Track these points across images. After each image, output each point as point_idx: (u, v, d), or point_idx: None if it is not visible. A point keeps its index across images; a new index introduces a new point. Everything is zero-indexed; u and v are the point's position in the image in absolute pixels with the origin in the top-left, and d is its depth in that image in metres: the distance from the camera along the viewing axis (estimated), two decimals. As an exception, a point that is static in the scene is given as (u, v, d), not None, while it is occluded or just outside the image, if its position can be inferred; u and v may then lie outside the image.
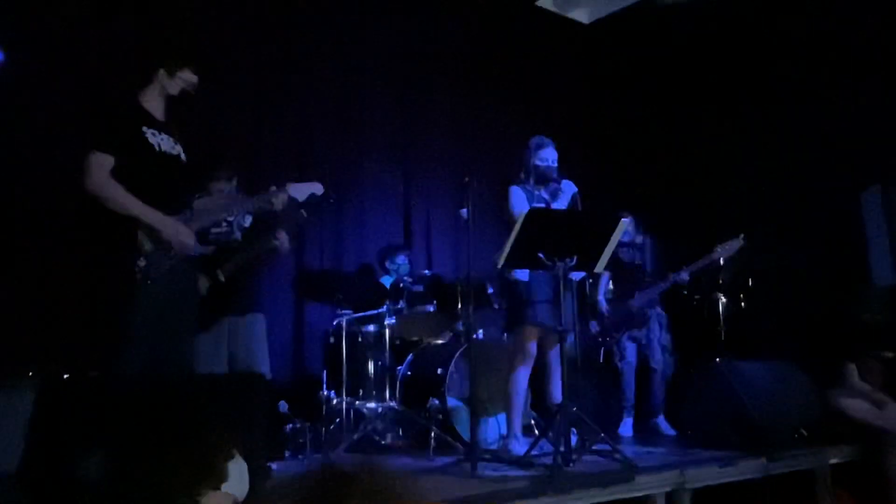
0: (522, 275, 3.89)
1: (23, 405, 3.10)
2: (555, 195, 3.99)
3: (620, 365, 5.06)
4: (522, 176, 4.07)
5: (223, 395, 2.60)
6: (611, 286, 5.28)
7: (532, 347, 3.91)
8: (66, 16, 4.40)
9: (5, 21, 4.08)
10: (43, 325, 4.08)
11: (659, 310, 5.16)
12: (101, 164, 2.96)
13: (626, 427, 4.97)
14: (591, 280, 5.24)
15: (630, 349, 5.09)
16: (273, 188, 3.32)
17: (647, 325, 5.09)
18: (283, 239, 4.16)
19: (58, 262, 4.11)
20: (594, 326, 5.15)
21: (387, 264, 5.27)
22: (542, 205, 3.94)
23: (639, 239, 5.23)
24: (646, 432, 4.95)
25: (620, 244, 5.08)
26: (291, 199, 3.35)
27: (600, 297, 5.19)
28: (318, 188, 3.44)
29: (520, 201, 3.94)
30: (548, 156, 4.04)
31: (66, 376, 3.47)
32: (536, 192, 4.02)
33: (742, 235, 4.83)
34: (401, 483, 1.02)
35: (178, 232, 3.02)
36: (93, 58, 4.44)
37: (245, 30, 5.33)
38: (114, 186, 2.95)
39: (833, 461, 3.90)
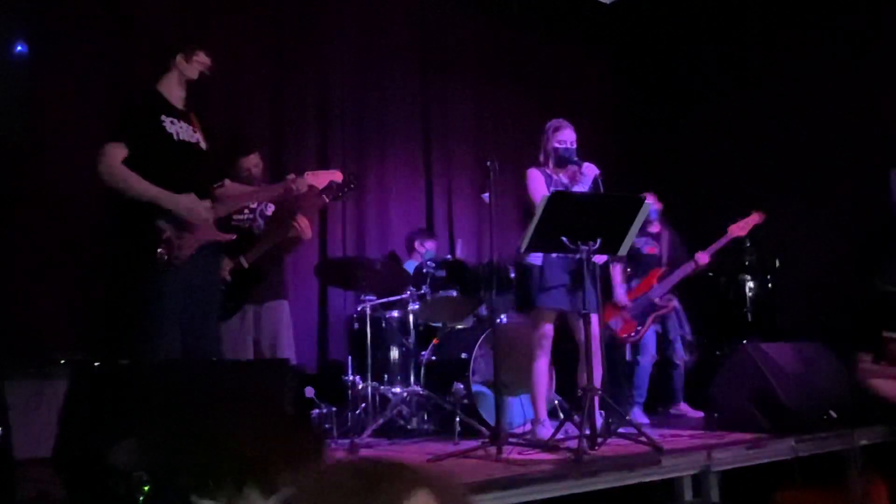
0: (535, 259, 3.87)
1: (55, 392, 3.17)
2: (574, 178, 3.94)
3: (639, 359, 4.92)
4: (541, 159, 4.04)
5: (250, 381, 2.63)
6: (630, 281, 5.10)
7: (548, 332, 3.89)
8: (84, 6, 4.44)
9: (26, 14, 4.13)
10: (73, 315, 4.16)
11: (676, 303, 5.03)
12: (112, 153, 2.99)
13: (637, 415, 4.81)
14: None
15: (650, 342, 4.95)
16: (291, 176, 3.35)
17: (666, 316, 4.96)
18: (304, 224, 4.18)
19: (85, 252, 4.17)
20: (616, 324, 4.96)
21: (416, 245, 5.28)
22: (562, 188, 3.90)
23: (655, 228, 5.13)
24: (669, 419, 4.88)
25: (641, 235, 4.98)
26: (311, 187, 3.37)
27: (620, 293, 5.01)
28: (336, 176, 3.46)
29: (538, 185, 3.91)
30: (566, 138, 3.99)
31: (96, 364, 3.53)
32: (555, 176, 3.98)
33: (755, 212, 4.74)
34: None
35: (194, 209, 3.03)
36: (112, 47, 4.48)
37: (265, 17, 5.34)
38: (125, 173, 2.98)
39: (863, 443, 3.84)
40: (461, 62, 6.26)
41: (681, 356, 4.97)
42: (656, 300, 4.93)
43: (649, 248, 5.11)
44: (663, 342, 5.02)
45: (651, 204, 5.07)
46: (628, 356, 5.00)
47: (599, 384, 3.51)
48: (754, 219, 4.79)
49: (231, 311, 4.04)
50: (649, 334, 4.97)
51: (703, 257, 4.85)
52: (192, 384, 2.51)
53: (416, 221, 5.82)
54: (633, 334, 4.93)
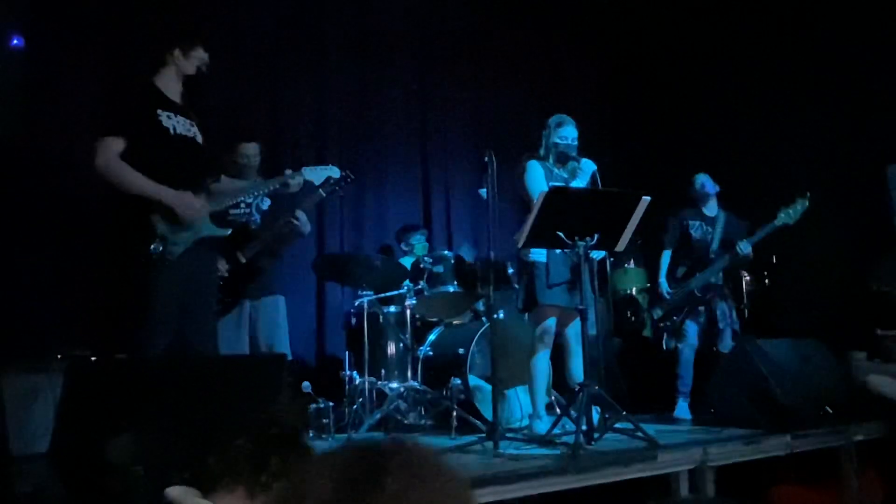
0: (540, 255, 3.87)
1: (52, 387, 3.17)
2: (574, 174, 3.95)
3: (680, 347, 4.68)
4: (542, 153, 4.05)
5: (246, 376, 2.63)
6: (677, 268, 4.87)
7: (552, 328, 3.91)
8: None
9: (24, 8, 4.12)
10: (70, 310, 4.16)
11: (726, 290, 4.81)
12: (109, 147, 2.99)
13: (683, 410, 4.61)
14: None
15: (691, 330, 4.69)
16: (288, 171, 3.36)
17: (713, 305, 4.70)
18: (301, 220, 4.18)
19: (82, 247, 4.17)
20: (657, 313, 4.79)
21: (402, 246, 5.28)
22: (561, 184, 3.91)
23: (712, 212, 4.88)
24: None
25: (693, 219, 4.84)
26: (307, 182, 3.38)
27: (661, 280, 4.85)
28: (334, 171, 3.47)
29: (538, 177, 3.91)
30: (568, 134, 4.00)
31: (93, 359, 3.53)
32: (555, 171, 3.99)
33: (808, 194, 4.50)
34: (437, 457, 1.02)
35: (188, 204, 3.03)
36: (109, 41, 4.47)
37: (262, 10, 5.32)
38: (121, 167, 2.98)
39: (858, 438, 3.86)
40: (459, 58, 6.24)
41: (726, 345, 4.66)
42: (696, 291, 4.72)
43: (701, 233, 4.85)
44: (711, 330, 4.74)
45: (706, 185, 4.89)
46: (665, 345, 4.78)
47: (583, 379, 3.51)
48: (804, 202, 4.52)
49: (228, 306, 4.04)
50: (690, 323, 4.72)
51: (744, 247, 4.58)
52: (189, 379, 2.52)
53: (413, 217, 5.81)
54: (668, 323, 4.75)
